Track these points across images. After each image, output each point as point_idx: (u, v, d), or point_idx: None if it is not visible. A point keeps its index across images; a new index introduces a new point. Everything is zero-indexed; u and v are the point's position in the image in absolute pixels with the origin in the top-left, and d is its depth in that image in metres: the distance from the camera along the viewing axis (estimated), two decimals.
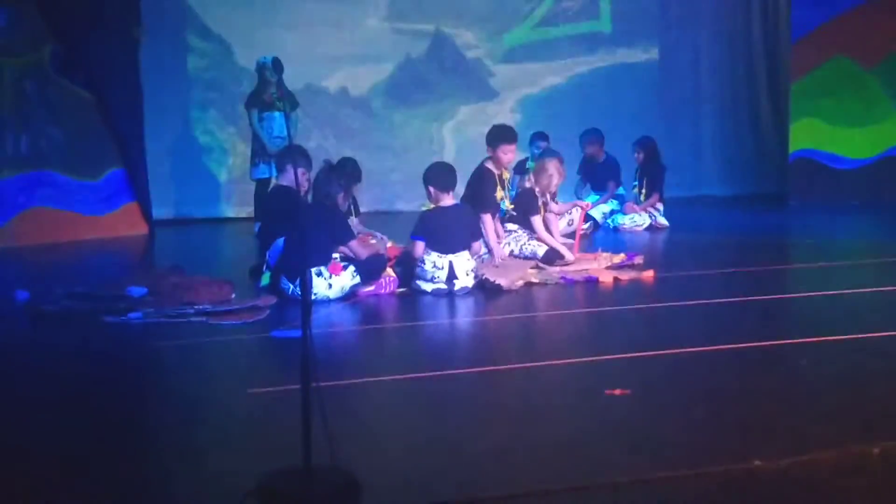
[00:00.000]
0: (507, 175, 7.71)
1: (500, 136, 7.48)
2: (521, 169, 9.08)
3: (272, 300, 6.15)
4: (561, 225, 8.35)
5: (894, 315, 5.70)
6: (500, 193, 7.54)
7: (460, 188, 7.27)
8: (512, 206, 7.69)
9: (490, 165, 7.49)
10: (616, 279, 6.93)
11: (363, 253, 6.54)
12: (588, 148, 10.15)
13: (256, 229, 8.95)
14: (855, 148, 11.55)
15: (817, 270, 7.40)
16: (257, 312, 5.85)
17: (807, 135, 11.65)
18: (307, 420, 3.10)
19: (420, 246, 6.56)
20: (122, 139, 9.89)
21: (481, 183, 7.39)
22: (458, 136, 12.12)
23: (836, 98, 11.51)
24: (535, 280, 6.85)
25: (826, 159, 11.64)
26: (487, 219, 7.24)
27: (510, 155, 7.50)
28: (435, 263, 6.46)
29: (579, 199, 9.77)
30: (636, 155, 10.00)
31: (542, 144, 9.67)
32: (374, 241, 7.48)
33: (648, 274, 7.07)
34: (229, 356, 5.14)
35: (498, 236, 7.43)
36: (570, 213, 8.68)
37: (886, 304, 6.10)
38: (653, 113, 12.45)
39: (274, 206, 7.20)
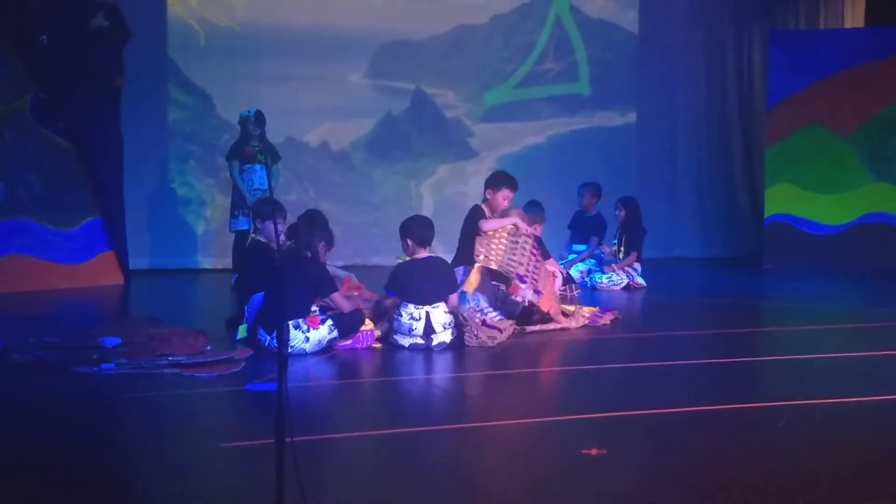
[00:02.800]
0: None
1: (503, 180, 7.51)
2: None
3: (248, 353, 6.10)
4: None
5: (869, 380, 5.72)
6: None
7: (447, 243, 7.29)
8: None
9: (485, 207, 7.51)
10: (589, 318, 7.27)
11: (347, 305, 6.52)
12: (586, 199, 10.23)
13: (234, 281, 8.92)
14: (829, 214, 11.68)
15: (792, 334, 7.44)
16: (232, 365, 5.80)
17: (782, 200, 11.79)
18: (280, 476, 3.06)
19: (389, 299, 6.56)
20: (100, 188, 9.88)
21: (474, 216, 7.37)
22: (436, 194, 12.18)
23: (810, 165, 11.67)
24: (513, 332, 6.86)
25: (801, 224, 11.76)
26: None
27: (508, 201, 7.51)
28: (412, 315, 6.44)
29: (569, 252, 10.09)
30: (618, 213, 10.09)
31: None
32: (356, 291, 7.45)
33: (610, 316, 7.42)
34: (202, 409, 5.08)
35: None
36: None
37: (861, 369, 6.12)
38: (630, 174, 12.58)
39: (252, 260, 7.18)
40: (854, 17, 13.17)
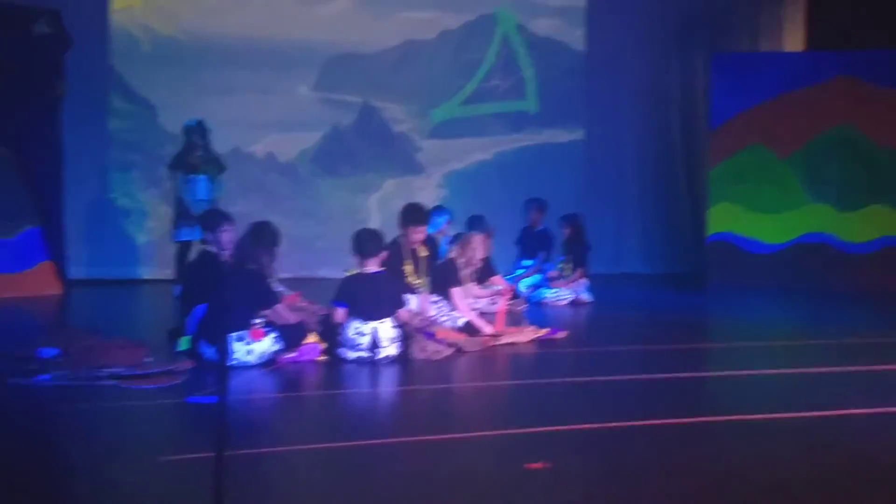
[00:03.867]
0: (422, 252, 7.77)
1: (410, 217, 7.67)
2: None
3: (189, 365, 6.02)
4: (483, 303, 8.43)
5: (806, 396, 5.80)
6: (408, 268, 7.60)
7: None
8: (418, 282, 7.69)
9: (401, 240, 7.66)
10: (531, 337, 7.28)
11: (292, 317, 6.47)
12: (534, 214, 10.28)
13: (176, 292, 8.80)
14: (769, 233, 11.86)
15: (733, 350, 7.53)
16: (173, 377, 5.71)
17: (724, 219, 11.95)
18: (219, 489, 3.01)
19: (341, 312, 6.51)
20: (39, 197, 9.72)
21: (390, 257, 7.44)
22: (383, 209, 12.11)
23: (752, 185, 11.84)
24: (463, 347, 6.85)
25: (742, 243, 11.92)
26: (455, 292, 7.52)
27: (419, 235, 7.70)
28: (358, 330, 6.40)
29: (518, 268, 10.14)
30: (563, 230, 10.15)
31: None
32: (303, 305, 7.40)
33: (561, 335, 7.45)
34: (141, 422, 4.99)
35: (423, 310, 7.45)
36: (494, 291, 8.74)
37: (798, 385, 6.21)
38: (576, 192, 12.67)
39: (197, 271, 7.09)
40: (794, 42, 13.44)
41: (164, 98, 11.36)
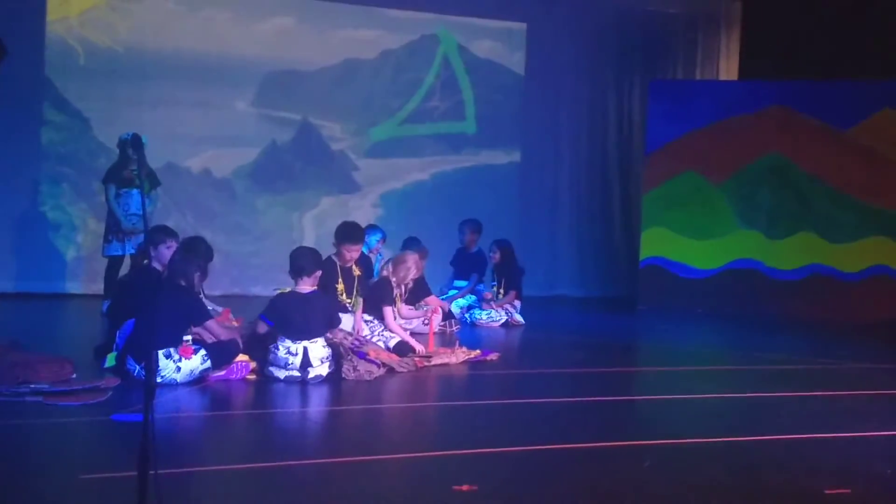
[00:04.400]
0: (356, 271, 7.77)
1: (345, 235, 7.70)
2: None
3: (115, 382, 5.92)
4: (415, 323, 8.44)
5: (734, 420, 5.91)
6: (340, 286, 7.60)
7: None
8: (350, 301, 7.69)
9: (335, 258, 7.64)
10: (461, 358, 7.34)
11: (224, 333, 6.42)
12: (468, 235, 10.33)
13: (105, 308, 8.67)
14: (700, 258, 12.06)
15: (662, 374, 7.64)
16: (98, 394, 5.62)
17: (656, 243, 12.13)
18: None
19: (264, 326, 6.48)
20: None
21: (324, 275, 7.43)
22: (318, 227, 12.09)
23: (685, 210, 12.05)
24: (395, 367, 6.85)
25: (674, 268, 12.11)
26: (388, 311, 7.59)
27: (354, 254, 7.74)
28: (289, 350, 6.36)
29: (449, 288, 10.20)
30: (492, 255, 10.22)
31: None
32: (235, 324, 7.34)
33: (493, 357, 7.50)
34: (64, 439, 4.90)
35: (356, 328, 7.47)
36: (427, 311, 8.75)
37: (727, 409, 6.32)
38: (512, 213, 12.77)
39: (129, 286, 7.00)
40: (729, 70, 13.75)
41: (100, 111, 11.20)
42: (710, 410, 6.27)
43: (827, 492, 4.31)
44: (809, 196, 11.78)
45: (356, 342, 7.07)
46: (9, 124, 10.25)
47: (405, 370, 6.91)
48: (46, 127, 11.15)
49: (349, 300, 7.69)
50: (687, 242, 12.07)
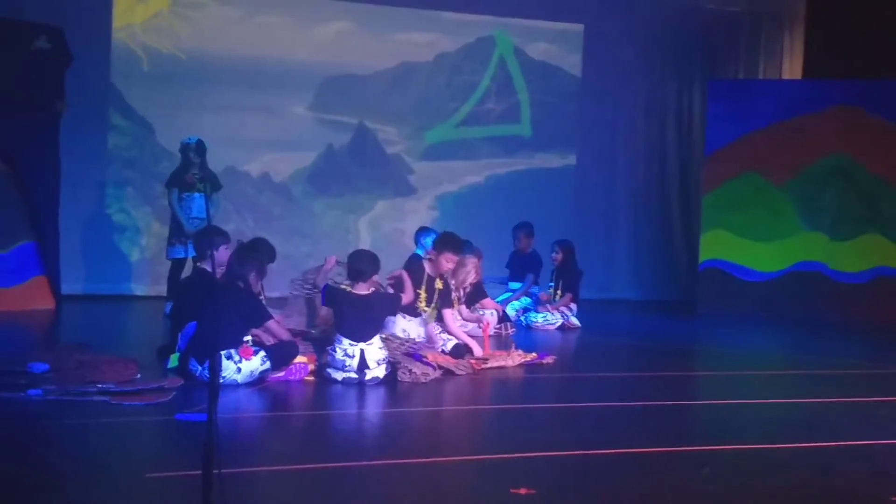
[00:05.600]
0: (440, 285, 7.76)
1: (446, 243, 7.71)
2: None
3: (178, 382, 6.03)
4: (470, 326, 8.44)
5: (797, 426, 5.83)
6: (422, 294, 7.61)
7: None
8: (427, 310, 7.70)
9: (427, 265, 7.67)
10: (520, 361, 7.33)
11: (284, 333, 6.50)
12: (522, 240, 10.32)
13: (168, 309, 8.82)
14: (762, 261, 11.89)
15: (723, 379, 7.55)
16: (162, 394, 5.73)
17: (716, 246, 11.98)
18: None
19: (326, 310, 6.59)
20: (34, 212, 9.73)
21: (411, 274, 7.49)
22: (373, 230, 12.18)
23: (745, 212, 11.89)
24: (451, 369, 6.88)
25: (734, 270, 11.96)
26: (448, 314, 7.56)
27: (450, 265, 7.71)
28: (346, 352, 6.42)
29: (506, 291, 10.20)
30: (554, 255, 10.16)
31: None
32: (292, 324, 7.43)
33: (549, 360, 7.50)
34: (129, 438, 5.00)
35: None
36: (484, 314, 8.76)
37: (790, 414, 6.23)
38: (567, 216, 12.72)
39: (189, 288, 7.11)
40: (792, 69, 13.54)
41: (162, 116, 11.41)
42: (773, 416, 6.18)
43: (894, 499, 4.24)
44: (876, 197, 11.55)
45: (412, 347, 7.10)
46: (77, 129, 10.47)
47: (462, 373, 6.92)
48: (112, 132, 11.38)
49: (427, 309, 7.69)
50: (748, 245, 11.91)
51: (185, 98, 11.47)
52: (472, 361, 7.20)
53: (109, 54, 11.28)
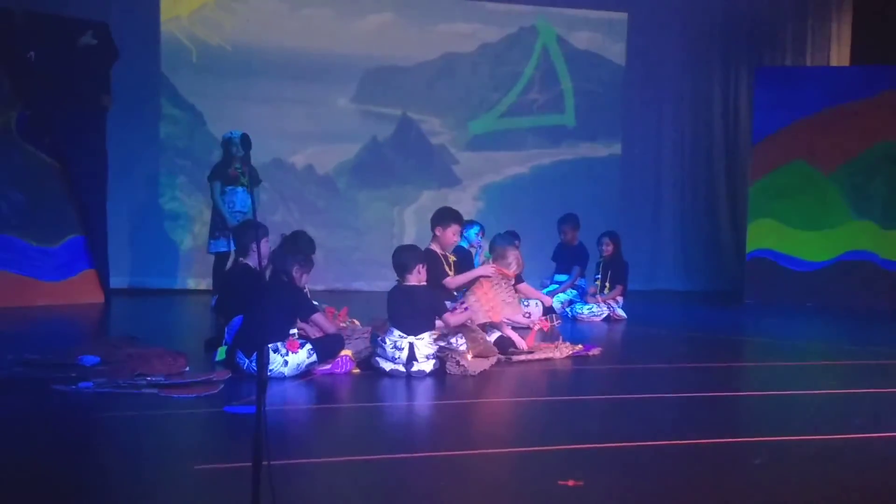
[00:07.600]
0: (452, 258, 7.72)
1: (449, 216, 7.56)
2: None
3: (227, 374, 6.08)
4: (517, 317, 8.38)
5: (845, 418, 5.74)
6: (451, 273, 7.56)
7: None
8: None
9: (434, 247, 7.53)
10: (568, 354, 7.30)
11: (330, 326, 6.53)
12: (568, 234, 10.27)
13: (213, 303, 8.89)
14: (811, 250, 11.74)
15: (771, 369, 7.46)
16: (211, 386, 5.77)
17: (764, 235, 11.86)
18: (256, 499, 3.05)
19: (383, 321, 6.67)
20: (83, 207, 9.85)
21: (430, 268, 7.41)
22: (418, 221, 12.17)
23: (793, 201, 11.74)
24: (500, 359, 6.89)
25: (782, 260, 11.82)
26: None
27: (457, 237, 7.61)
28: (396, 344, 6.42)
29: (550, 282, 10.14)
30: (604, 247, 10.07)
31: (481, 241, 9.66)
32: (342, 324, 7.38)
33: (595, 351, 7.47)
34: (179, 430, 5.05)
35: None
36: (528, 306, 8.71)
37: (837, 406, 6.15)
38: (612, 207, 12.65)
39: (234, 283, 7.15)
40: (840, 56, 13.33)
41: (211, 106, 11.54)
42: (825, 406, 6.09)
43: None
44: None
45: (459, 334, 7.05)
46: (129, 118, 10.61)
47: (507, 365, 6.90)
48: (164, 121, 11.51)
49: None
50: (796, 234, 11.77)
51: (232, 89, 11.58)
52: (518, 354, 7.17)
53: (159, 46, 11.42)
